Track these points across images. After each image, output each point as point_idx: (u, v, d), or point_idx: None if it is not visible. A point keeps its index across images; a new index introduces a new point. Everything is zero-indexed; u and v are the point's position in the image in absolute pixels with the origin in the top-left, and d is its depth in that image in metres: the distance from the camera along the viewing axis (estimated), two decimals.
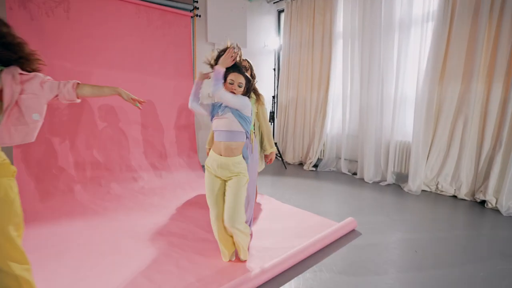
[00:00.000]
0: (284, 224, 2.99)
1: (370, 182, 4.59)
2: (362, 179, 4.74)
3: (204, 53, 5.45)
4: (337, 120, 5.30)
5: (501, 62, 3.34)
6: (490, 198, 3.40)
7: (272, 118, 5.81)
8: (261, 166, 2.81)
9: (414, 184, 4.07)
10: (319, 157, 5.53)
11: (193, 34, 5.17)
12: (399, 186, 4.36)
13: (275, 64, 6.02)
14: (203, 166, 5.23)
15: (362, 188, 4.30)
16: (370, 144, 4.62)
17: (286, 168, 5.56)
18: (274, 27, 6.42)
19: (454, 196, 3.86)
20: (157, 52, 4.65)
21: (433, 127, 3.98)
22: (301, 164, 5.91)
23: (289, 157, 5.98)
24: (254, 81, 2.10)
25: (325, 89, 5.30)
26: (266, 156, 2.79)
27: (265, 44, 6.24)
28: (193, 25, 5.14)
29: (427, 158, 4.05)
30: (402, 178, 4.45)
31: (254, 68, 2.70)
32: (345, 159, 5.19)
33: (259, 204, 3.55)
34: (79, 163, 3.86)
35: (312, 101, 5.59)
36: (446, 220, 3.14)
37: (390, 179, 4.46)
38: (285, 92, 6.10)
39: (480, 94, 3.57)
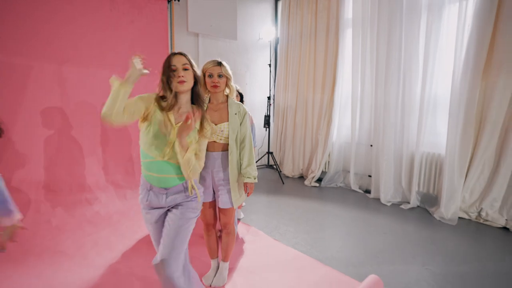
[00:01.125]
0: (276, 277, 2.06)
1: (388, 204, 3.65)
2: (377, 200, 3.81)
3: (185, 45, 4.57)
4: (345, 126, 4.37)
5: None
6: None
7: (267, 123, 4.89)
8: (240, 199, 1.88)
9: (448, 210, 3.13)
10: (324, 170, 4.60)
11: (170, 22, 4.28)
12: (427, 210, 3.42)
13: (270, 60, 5.11)
14: None
15: (378, 213, 3.36)
16: (388, 155, 3.68)
17: (283, 183, 4.63)
18: (270, 16, 5.52)
19: (505, 228, 2.91)
20: (124, 44, 3.75)
21: (474, 136, 3.05)
22: (301, 177, 4.98)
23: (287, 170, 5.05)
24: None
25: (331, 89, 4.38)
26: (245, 185, 1.87)
27: (259, 37, 5.35)
28: (170, 11, 4.26)
29: (466, 176, 3.11)
30: (430, 200, 3.50)
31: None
32: (355, 174, 4.25)
33: (242, 241, 2.62)
34: (10, 182, 2.96)
35: (315, 103, 4.67)
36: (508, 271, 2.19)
37: (414, 201, 3.52)
38: (283, 93, 5.19)
39: None
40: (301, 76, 4.83)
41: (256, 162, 5.24)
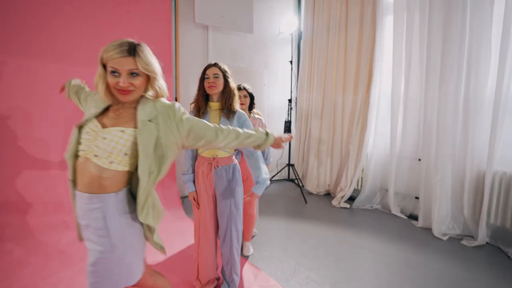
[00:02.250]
0: None
1: (444, 237, 2.78)
2: (427, 230, 2.94)
3: (192, 39, 3.96)
4: (383, 134, 3.54)
5: None
6: None
7: (288, 130, 4.16)
8: None
9: None
10: (356, 188, 3.79)
11: (174, 12, 3.69)
12: (501, 250, 2.53)
13: (292, 56, 4.38)
14: (184, 198, 3.72)
15: (431, 250, 2.52)
16: (443, 174, 2.83)
17: (306, 201, 3.87)
18: (292, 6, 4.80)
19: None
20: (119, 37, 3.18)
21: None
22: (328, 195, 4.19)
23: (311, 185, 4.28)
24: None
25: (365, 89, 3.58)
26: None
27: (280, 31, 4.64)
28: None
29: None
30: (505, 237, 2.60)
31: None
32: (395, 193, 3.41)
33: None
34: None
35: (345, 106, 3.88)
36: None
37: (483, 236, 2.62)
38: (307, 94, 4.44)
39: None
40: (328, 74, 4.06)
41: (275, 175, 4.59)
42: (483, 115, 2.61)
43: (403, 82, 3.20)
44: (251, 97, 2.41)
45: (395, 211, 3.37)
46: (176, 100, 3.83)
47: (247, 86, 2.44)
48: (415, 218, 3.20)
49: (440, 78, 2.82)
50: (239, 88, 2.23)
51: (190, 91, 3.97)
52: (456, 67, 2.71)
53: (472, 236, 2.71)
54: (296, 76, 4.71)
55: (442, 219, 2.84)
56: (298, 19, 4.66)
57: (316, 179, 4.24)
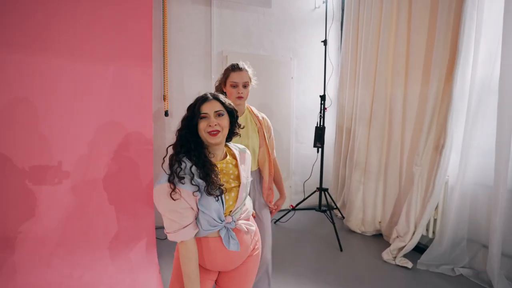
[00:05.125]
0: None
1: None
2: None
3: (187, 16, 2.97)
4: (480, 150, 2.07)
5: None
6: None
7: (319, 140, 2.89)
8: None
9: None
10: (425, 235, 2.37)
11: None
12: None
13: (326, 34, 3.06)
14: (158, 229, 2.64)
15: None
16: None
17: (341, 249, 2.56)
18: None
19: None
20: (84, 19, 2.29)
21: None
22: (379, 236, 2.81)
23: (353, 221, 2.93)
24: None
25: (444, 77, 2.15)
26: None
27: (315, 5, 3.42)
28: None
29: None
30: None
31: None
32: (504, 255, 1.93)
33: None
34: None
35: (408, 106, 2.50)
36: None
37: None
38: (350, 90, 3.13)
39: None
40: (381, 61, 2.70)
41: (300, 203, 3.13)
42: None
43: None
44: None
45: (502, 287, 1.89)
46: (164, 100, 2.87)
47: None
48: None
49: None
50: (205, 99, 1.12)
51: (184, 87, 3.00)
52: None
53: None
54: (338, 65, 3.42)
55: None
56: None
57: (360, 212, 2.88)
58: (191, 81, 3.03)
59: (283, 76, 3.40)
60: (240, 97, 1.44)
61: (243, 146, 1.20)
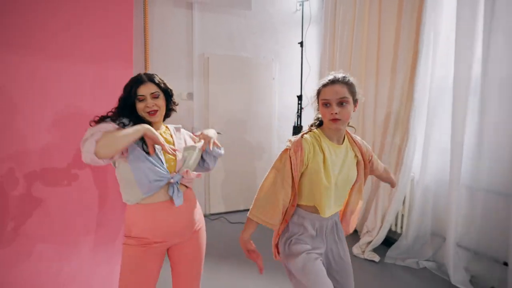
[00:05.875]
0: None
1: None
2: None
3: (168, 19, 3.07)
4: (442, 146, 2.16)
5: None
6: None
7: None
8: None
9: None
10: (394, 230, 2.46)
11: None
12: None
13: (303, 36, 3.14)
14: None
15: None
16: None
17: None
18: None
19: None
20: (64, 20, 2.41)
21: None
22: (355, 231, 2.90)
23: None
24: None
25: (408, 74, 2.25)
26: None
27: (296, 8, 3.51)
28: None
29: None
30: None
31: None
32: (459, 246, 2.03)
33: None
34: None
35: (378, 102, 2.58)
36: None
37: None
38: None
39: None
40: (354, 64, 2.78)
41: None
42: None
43: (482, 61, 1.83)
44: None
45: (458, 280, 1.98)
46: None
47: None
48: None
49: None
50: (141, 82, 1.23)
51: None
52: None
53: None
54: (318, 65, 3.52)
55: None
56: None
57: None
58: (174, 82, 3.08)
59: (265, 78, 3.50)
60: (334, 120, 1.07)
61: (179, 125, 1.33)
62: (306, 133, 1.14)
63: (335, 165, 1.12)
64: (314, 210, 1.13)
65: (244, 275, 2.16)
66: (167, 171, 1.13)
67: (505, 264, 1.82)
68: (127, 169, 1.10)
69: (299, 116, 2.97)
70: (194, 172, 1.20)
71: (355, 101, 1.12)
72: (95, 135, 1.01)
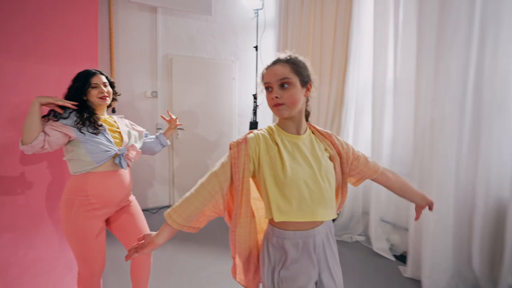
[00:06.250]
0: None
1: None
2: (415, 283, 1.95)
3: (134, 22, 3.28)
4: (364, 141, 2.57)
5: None
6: None
7: None
8: None
9: None
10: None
11: None
12: None
13: (258, 40, 3.50)
14: None
15: None
16: (441, 201, 1.83)
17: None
18: None
19: None
20: (30, 20, 2.55)
21: None
22: None
23: None
24: None
25: (341, 78, 2.64)
26: None
27: (254, 14, 3.83)
28: None
29: None
30: None
31: None
32: (383, 221, 2.44)
33: None
34: None
35: (321, 102, 2.95)
36: None
37: None
38: None
39: None
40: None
41: None
42: (505, 108, 1.60)
43: (392, 68, 2.24)
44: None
45: (379, 247, 2.39)
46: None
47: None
48: (404, 258, 2.21)
49: (437, 55, 1.84)
50: (94, 73, 1.46)
51: (133, 86, 3.29)
52: (461, 47, 1.73)
53: None
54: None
55: (439, 272, 1.83)
56: None
57: None
58: (139, 82, 3.33)
59: (225, 77, 3.78)
60: (276, 105, 0.92)
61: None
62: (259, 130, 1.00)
63: (296, 158, 0.93)
64: (295, 227, 0.92)
65: (203, 257, 2.44)
66: (115, 145, 1.38)
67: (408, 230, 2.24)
68: (79, 146, 1.32)
69: (255, 113, 3.29)
70: (137, 147, 1.47)
71: (305, 83, 0.94)
72: None
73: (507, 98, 1.63)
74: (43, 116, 1.34)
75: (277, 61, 0.93)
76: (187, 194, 0.91)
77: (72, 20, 2.66)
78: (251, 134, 0.95)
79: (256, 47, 3.36)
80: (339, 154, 0.99)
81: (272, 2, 3.80)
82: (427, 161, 1.90)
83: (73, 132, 1.30)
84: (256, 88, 3.37)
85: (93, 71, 1.44)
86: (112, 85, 1.50)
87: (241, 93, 3.89)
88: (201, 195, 0.90)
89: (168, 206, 3.52)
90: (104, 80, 1.45)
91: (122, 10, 3.15)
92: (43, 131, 1.29)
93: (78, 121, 1.32)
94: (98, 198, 1.34)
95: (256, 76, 3.42)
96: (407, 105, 2.15)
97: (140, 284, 1.58)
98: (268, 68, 0.94)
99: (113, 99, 1.52)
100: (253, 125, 3.30)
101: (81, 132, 1.30)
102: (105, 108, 1.50)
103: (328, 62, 2.79)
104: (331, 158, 0.98)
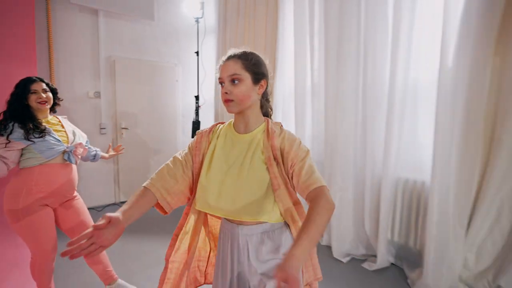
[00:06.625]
0: None
1: (344, 259, 2.29)
2: (327, 248, 2.46)
3: (73, 25, 3.31)
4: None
5: None
6: None
7: (195, 132, 3.59)
8: None
9: (439, 278, 1.78)
10: None
11: None
12: (404, 274, 2.08)
13: (198, 45, 3.81)
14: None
15: (328, 276, 2.01)
16: (345, 181, 2.35)
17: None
18: None
19: None
20: None
21: (483, 153, 1.73)
22: None
23: None
24: None
25: (271, 84, 3.08)
26: None
27: (197, 19, 4.08)
28: None
29: (469, 225, 1.77)
30: (409, 258, 2.15)
31: None
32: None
33: None
34: None
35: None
36: None
37: (383, 257, 2.16)
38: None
39: None
40: None
41: None
42: (381, 107, 2.16)
43: (309, 74, 2.72)
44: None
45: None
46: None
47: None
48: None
49: (337, 70, 2.35)
50: (34, 80, 1.62)
51: (75, 87, 3.32)
52: (353, 54, 2.26)
53: (375, 256, 2.24)
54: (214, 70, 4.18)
55: (343, 238, 2.35)
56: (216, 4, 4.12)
57: None
58: (81, 82, 3.36)
59: (169, 80, 3.98)
60: (226, 101, 0.93)
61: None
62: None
63: (228, 156, 0.94)
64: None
65: (150, 244, 2.66)
66: (63, 143, 1.57)
67: None
68: (30, 150, 1.49)
69: (197, 113, 3.57)
70: (83, 145, 1.67)
71: (258, 80, 0.94)
72: None
73: (381, 97, 2.16)
74: None
75: (230, 57, 0.93)
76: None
77: (7, 19, 2.66)
78: (217, 126, 1.05)
79: (197, 53, 3.65)
80: (276, 158, 0.91)
81: (212, 11, 4.11)
82: (334, 151, 2.40)
83: (23, 144, 1.46)
84: (198, 91, 3.65)
85: (33, 78, 1.58)
86: (54, 91, 1.65)
87: (185, 95, 4.12)
88: (169, 167, 0.97)
89: (113, 204, 3.60)
90: (44, 86, 1.59)
91: (61, 10, 3.17)
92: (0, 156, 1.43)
93: (23, 131, 1.46)
94: (46, 186, 1.51)
95: (198, 79, 3.70)
96: (321, 105, 2.64)
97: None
98: (222, 63, 0.95)
99: (56, 104, 1.68)
100: (196, 124, 3.58)
101: (30, 140, 1.46)
102: (48, 111, 1.63)
103: None
104: (266, 161, 0.91)
